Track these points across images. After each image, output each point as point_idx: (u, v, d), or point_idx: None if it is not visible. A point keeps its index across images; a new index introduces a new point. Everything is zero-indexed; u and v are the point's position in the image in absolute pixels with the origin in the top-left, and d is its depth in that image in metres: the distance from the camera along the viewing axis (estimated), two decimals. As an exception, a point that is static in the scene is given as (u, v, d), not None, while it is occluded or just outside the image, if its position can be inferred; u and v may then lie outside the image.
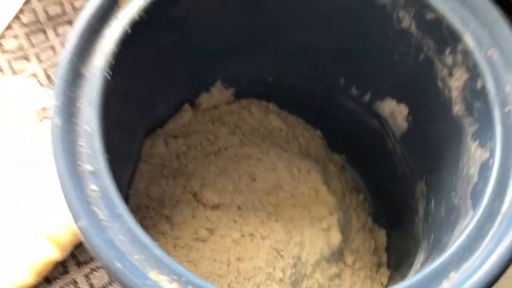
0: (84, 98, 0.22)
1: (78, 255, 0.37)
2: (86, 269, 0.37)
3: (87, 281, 0.37)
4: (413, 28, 0.29)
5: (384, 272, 0.38)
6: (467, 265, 0.20)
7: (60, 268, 0.37)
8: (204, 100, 0.38)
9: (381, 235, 0.41)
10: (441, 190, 0.31)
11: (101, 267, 0.37)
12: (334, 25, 0.33)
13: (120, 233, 0.19)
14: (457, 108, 0.28)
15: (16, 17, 0.45)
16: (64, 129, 0.21)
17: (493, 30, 0.25)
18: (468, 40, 0.25)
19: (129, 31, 0.24)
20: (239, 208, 0.34)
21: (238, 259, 0.31)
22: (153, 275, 0.19)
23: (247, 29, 0.33)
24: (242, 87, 0.39)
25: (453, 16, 0.26)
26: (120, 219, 0.20)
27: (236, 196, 0.35)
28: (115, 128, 0.26)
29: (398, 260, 0.38)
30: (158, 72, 0.31)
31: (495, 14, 0.25)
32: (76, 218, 0.19)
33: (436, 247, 0.28)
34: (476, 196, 0.24)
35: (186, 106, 0.37)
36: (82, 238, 0.19)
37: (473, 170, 0.25)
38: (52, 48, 0.45)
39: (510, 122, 0.23)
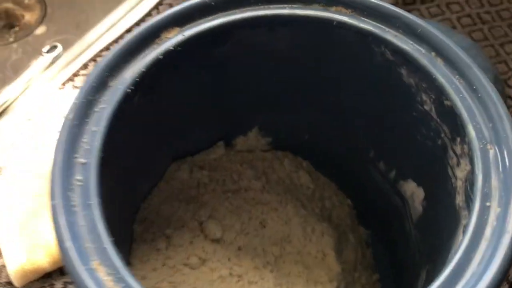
0: (102, 105, 0.26)
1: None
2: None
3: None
4: (434, 112, 0.29)
5: None
6: None
7: None
8: (240, 142, 0.40)
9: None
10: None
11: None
12: (368, 96, 0.34)
13: (83, 221, 0.22)
14: (459, 199, 0.28)
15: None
16: (74, 124, 0.24)
17: (497, 126, 0.24)
18: (471, 132, 0.25)
19: (161, 57, 0.28)
20: (239, 249, 0.35)
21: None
22: (95, 264, 0.20)
23: (290, 84, 0.35)
24: (279, 138, 0.41)
25: (463, 106, 0.26)
26: (89, 209, 0.22)
27: (240, 237, 0.36)
28: (134, 143, 0.30)
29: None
30: (191, 107, 0.34)
31: (502, 112, 0.25)
32: (52, 197, 0.22)
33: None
34: None
35: (220, 143, 0.39)
36: (50, 215, 0.22)
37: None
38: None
39: (485, 216, 0.22)
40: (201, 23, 0.29)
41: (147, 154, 0.32)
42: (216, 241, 0.35)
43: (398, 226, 0.38)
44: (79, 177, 0.23)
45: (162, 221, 0.35)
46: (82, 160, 0.24)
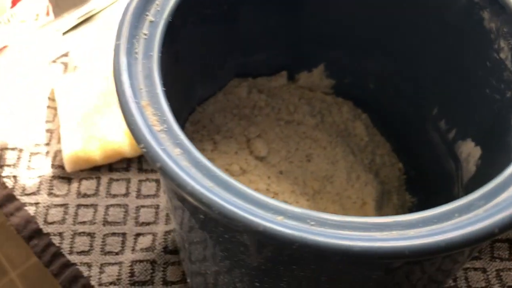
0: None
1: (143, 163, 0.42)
2: (142, 176, 0.41)
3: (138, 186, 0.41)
4: (509, 60, 0.28)
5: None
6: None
7: (124, 164, 0.42)
8: (303, 78, 0.40)
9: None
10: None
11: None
12: (444, 44, 0.33)
13: (141, 67, 0.23)
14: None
15: None
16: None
17: None
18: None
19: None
20: (280, 172, 0.35)
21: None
22: (144, 103, 0.21)
23: (366, 22, 0.35)
24: (343, 83, 0.40)
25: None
26: (149, 59, 0.23)
27: (284, 163, 0.36)
28: (201, 44, 0.30)
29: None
30: (262, 26, 0.34)
31: None
32: (117, 38, 0.23)
33: None
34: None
35: (283, 73, 0.40)
36: (113, 53, 0.23)
37: None
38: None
39: None
40: None
41: (211, 60, 0.33)
42: (260, 158, 0.35)
43: (447, 192, 0.36)
44: (145, 31, 0.24)
45: (213, 128, 0.35)
46: (151, 18, 0.24)
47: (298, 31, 0.37)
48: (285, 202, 0.33)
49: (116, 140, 0.41)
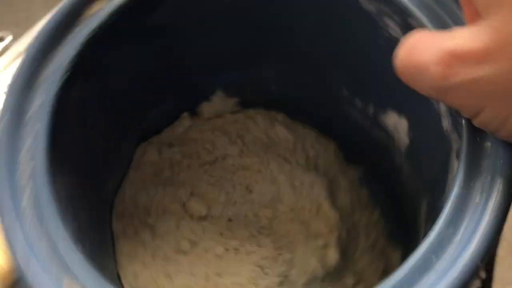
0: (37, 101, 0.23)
1: None
2: None
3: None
4: (401, 35, 0.27)
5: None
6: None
7: None
8: (205, 109, 0.37)
9: (395, 256, 0.38)
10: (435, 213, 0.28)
11: None
12: (327, 33, 0.31)
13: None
14: (445, 123, 0.26)
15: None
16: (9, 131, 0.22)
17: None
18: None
19: (93, 34, 0.25)
20: (229, 220, 0.34)
21: (218, 274, 0.31)
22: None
23: (239, 38, 0.33)
24: (246, 97, 0.38)
25: (430, 22, 0.23)
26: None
27: (228, 208, 0.34)
28: (89, 134, 0.27)
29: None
30: (142, 81, 0.31)
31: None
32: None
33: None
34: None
35: (185, 114, 0.37)
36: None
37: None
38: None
39: (477, 138, 0.20)
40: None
41: (105, 144, 0.29)
42: (203, 218, 0.33)
43: (388, 161, 0.36)
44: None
45: (141, 212, 0.32)
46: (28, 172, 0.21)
47: (180, 69, 0.34)
48: (251, 253, 0.32)
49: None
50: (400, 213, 0.38)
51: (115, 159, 0.32)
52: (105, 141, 0.29)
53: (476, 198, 0.19)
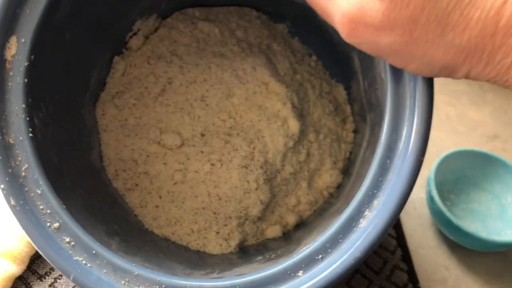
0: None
1: (37, 269, 0.37)
2: (49, 280, 0.37)
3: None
4: None
5: (350, 126, 0.43)
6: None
7: (22, 286, 0.37)
8: (133, 41, 0.38)
9: (340, 90, 0.44)
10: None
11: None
12: None
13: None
14: None
15: None
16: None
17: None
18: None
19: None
20: (202, 135, 0.38)
21: (216, 186, 0.36)
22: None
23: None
24: (163, 9, 0.38)
25: None
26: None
27: (196, 125, 0.38)
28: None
29: (360, 106, 0.42)
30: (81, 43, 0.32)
31: None
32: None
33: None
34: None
35: (116, 58, 0.37)
36: None
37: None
38: None
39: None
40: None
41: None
42: (181, 145, 0.37)
43: (310, 16, 0.38)
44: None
45: (131, 164, 0.36)
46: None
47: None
48: (232, 158, 0.37)
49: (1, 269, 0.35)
50: (335, 58, 0.43)
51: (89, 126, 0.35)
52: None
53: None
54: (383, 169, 0.24)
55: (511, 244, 0.40)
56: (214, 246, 0.35)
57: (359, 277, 0.39)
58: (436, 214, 0.42)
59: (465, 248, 0.43)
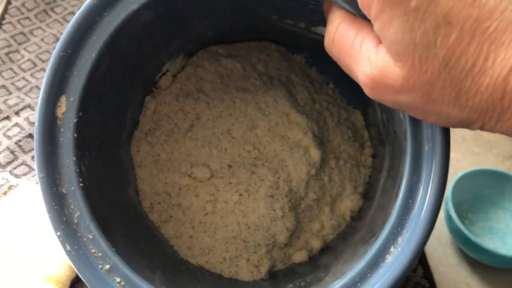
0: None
1: None
2: None
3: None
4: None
5: (368, 151, 0.45)
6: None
7: None
8: (163, 81, 0.40)
9: (358, 116, 0.46)
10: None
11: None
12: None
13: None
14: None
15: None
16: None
17: None
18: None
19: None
20: (229, 166, 0.40)
21: (244, 216, 0.38)
22: None
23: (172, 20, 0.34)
24: (189, 50, 0.41)
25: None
26: None
27: (223, 157, 0.40)
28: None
29: (377, 132, 0.44)
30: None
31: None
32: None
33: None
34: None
35: (148, 98, 0.40)
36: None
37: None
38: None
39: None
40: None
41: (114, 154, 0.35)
42: (210, 177, 0.39)
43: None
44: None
45: (164, 197, 0.39)
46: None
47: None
48: (259, 188, 0.39)
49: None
50: (351, 86, 0.45)
51: (124, 165, 0.38)
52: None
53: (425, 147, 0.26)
54: (406, 209, 0.27)
55: (530, 260, 0.42)
56: (246, 273, 0.37)
57: (382, 296, 0.42)
58: (455, 232, 0.44)
59: (486, 265, 0.45)
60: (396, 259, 0.26)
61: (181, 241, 0.38)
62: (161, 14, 0.32)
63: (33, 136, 0.48)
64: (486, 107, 0.21)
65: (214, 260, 0.38)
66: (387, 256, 0.27)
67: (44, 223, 0.41)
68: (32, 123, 0.51)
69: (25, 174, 0.47)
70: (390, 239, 0.27)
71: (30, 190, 0.44)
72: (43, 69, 0.58)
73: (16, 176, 0.47)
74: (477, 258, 0.44)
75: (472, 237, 0.42)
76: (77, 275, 0.40)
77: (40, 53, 0.59)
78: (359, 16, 0.25)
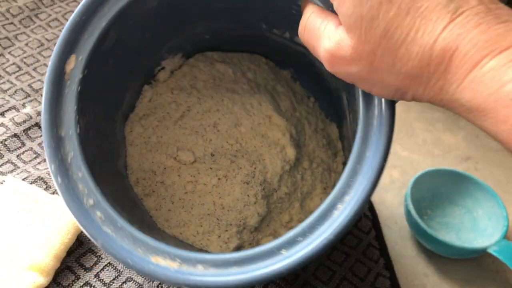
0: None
1: (61, 281, 0.42)
2: None
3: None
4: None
5: (340, 159, 0.49)
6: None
7: None
8: (161, 75, 0.46)
9: (333, 128, 0.51)
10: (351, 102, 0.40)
11: (86, 284, 0.42)
12: None
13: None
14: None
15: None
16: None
17: None
18: None
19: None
20: (212, 155, 0.44)
21: (220, 197, 0.42)
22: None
23: (173, 18, 0.40)
24: (187, 50, 0.46)
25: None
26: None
27: (207, 146, 0.44)
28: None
29: (348, 144, 0.48)
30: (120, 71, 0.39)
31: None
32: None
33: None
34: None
35: (146, 87, 0.45)
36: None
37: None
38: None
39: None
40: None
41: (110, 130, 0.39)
42: (194, 162, 0.43)
43: (310, 64, 0.46)
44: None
45: (150, 174, 0.43)
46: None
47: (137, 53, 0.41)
48: (236, 175, 0.43)
49: (29, 281, 0.39)
50: (330, 101, 0.50)
51: (116, 141, 0.42)
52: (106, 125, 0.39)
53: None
54: (354, 172, 0.31)
55: (481, 251, 0.45)
56: (215, 247, 0.41)
57: (346, 284, 0.44)
58: (414, 226, 0.48)
59: (442, 256, 0.49)
60: (342, 213, 0.30)
61: (160, 213, 0.42)
62: (164, 4, 0.38)
63: (18, 136, 0.51)
64: (415, 73, 0.26)
65: (188, 232, 0.41)
66: (334, 211, 0.30)
67: (28, 214, 0.43)
68: (17, 124, 0.52)
69: (10, 172, 0.49)
70: (338, 197, 0.31)
71: (16, 186, 0.46)
72: (28, 73, 0.58)
73: (2, 173, 0.49)
74: (434, 250, 0.48)
75: (429, 230, 0.46)
76: (60, 265, 0.42)
77: (25, 57, 0.60)
78: (327, 9, 0.30)
